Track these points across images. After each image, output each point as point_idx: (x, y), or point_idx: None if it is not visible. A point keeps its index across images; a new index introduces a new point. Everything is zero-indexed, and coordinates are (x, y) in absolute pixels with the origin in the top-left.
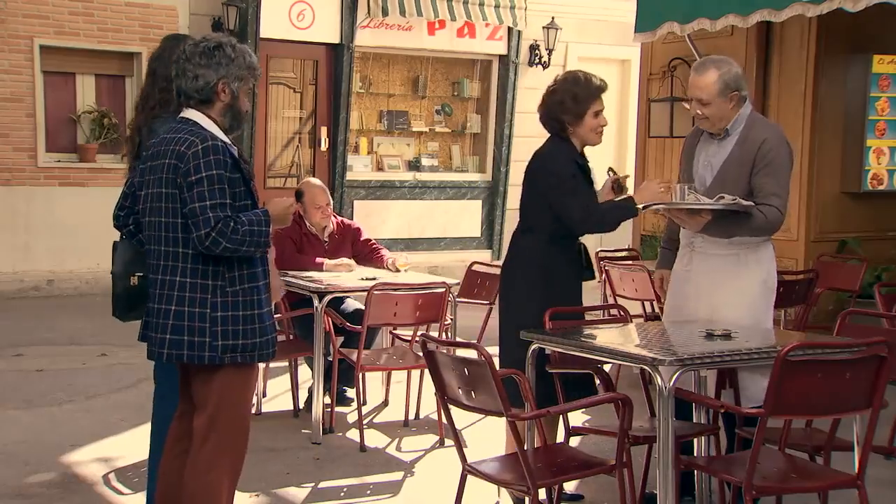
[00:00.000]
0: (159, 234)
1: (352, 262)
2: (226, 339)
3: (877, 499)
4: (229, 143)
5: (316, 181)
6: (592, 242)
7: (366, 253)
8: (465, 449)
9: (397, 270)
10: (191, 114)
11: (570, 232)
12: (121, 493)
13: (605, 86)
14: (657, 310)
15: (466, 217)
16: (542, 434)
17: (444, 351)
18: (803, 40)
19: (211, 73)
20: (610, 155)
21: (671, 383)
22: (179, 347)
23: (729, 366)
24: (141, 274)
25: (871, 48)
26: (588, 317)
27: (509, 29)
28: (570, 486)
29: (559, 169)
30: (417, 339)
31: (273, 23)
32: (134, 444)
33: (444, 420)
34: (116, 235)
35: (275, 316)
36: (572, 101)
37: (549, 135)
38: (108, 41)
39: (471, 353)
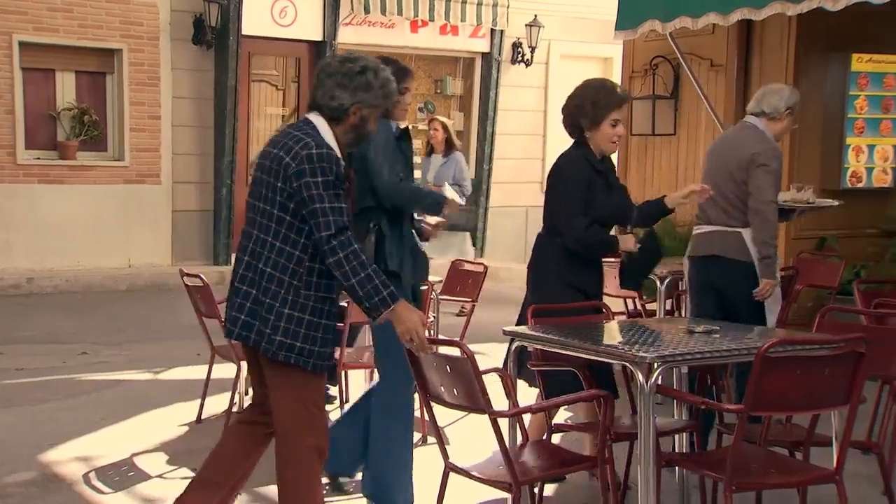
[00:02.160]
0: (255, 217)
1: None
2: (284, 337)
3: (855, 493)
4: (341, 157)
5: None
6: None
7: None
8: (447, 446)
9: None
10: (315, 118)
11: None
12: (101, 492)
13: (626, 97)
14: (639, 307)
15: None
16: (524, 430)
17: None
18: (783, 39)
19: (347, 97)
20: None
21: (652, 380)
22: (249, 329)
23: (709, 363)
24: None
25: (849, 47)
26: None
27: (492, 27)
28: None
29: (569, 175)
30: None
31: (255, 20)
32: (114, 443)
33: (426, 417)
34: (97, 233)
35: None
36: (592, 106)
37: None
38: (88, 37)
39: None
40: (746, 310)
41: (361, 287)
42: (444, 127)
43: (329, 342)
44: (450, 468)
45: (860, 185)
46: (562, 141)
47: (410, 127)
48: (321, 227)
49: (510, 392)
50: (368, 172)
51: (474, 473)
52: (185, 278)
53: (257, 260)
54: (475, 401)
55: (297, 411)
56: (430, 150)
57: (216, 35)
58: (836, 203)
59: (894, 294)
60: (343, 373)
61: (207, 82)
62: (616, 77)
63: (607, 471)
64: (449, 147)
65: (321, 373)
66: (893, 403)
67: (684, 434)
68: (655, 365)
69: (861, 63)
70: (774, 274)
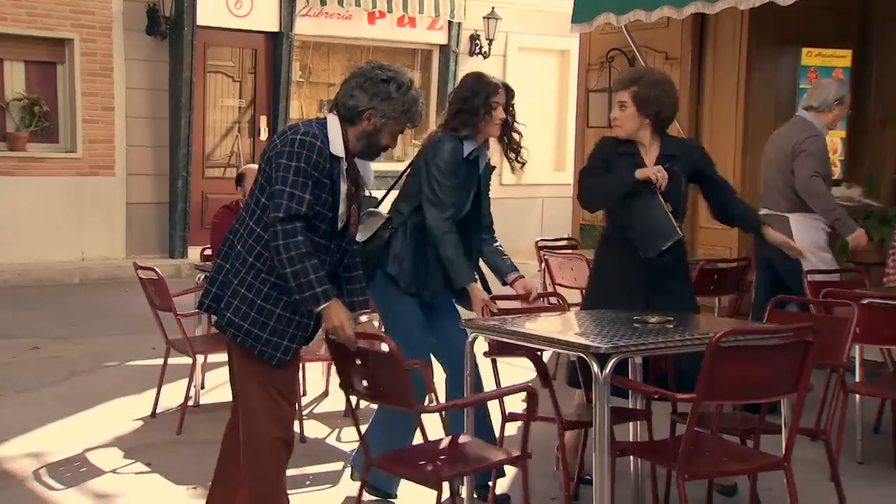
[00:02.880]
0: (249, 202)
1: None
2: (235, 315)
3: (803, 479)
4: (342, 157)
5: (256, 168)
6: (532, 231)
7: None
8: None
9: None
10: (330, 118)
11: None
12: (52, 488)
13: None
14: None
15: None
16: (445, 425)
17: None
18: (736, 33)
19: (364, 100)
20: (550, 145)
21: (606, 371)
22: (217, 301)
23: (662, 353)
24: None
25: (800, 41)
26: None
27: (449, 19)
28: (503, 486)
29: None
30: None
31: (210, 10)
32: (66, 438)
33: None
34: (49, 226)
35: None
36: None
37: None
38: (38, 26)
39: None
40: (792, 280)
41: (295, 278)
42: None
43: (285, 334)
44: (372, 464)
45: None
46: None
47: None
48: (273, 208)
49: (429, 386)
50: (422, 182)
51: (398, 470)
52: (138, 271)
53: (234, 237)
54: (401, 396)
55: (260, 399)
56: None
57: (170, 25)
58: (878, 204)
59: (842, 284)
60: (300, 365)
61: (162, 73)
62: (574, 70)
63: (526, 465)
64: None
65: (279, 364)
66: (840, 391)
67: (638, 423)
68: (611, 355)
69: (810, 57)
70: (853, 227)
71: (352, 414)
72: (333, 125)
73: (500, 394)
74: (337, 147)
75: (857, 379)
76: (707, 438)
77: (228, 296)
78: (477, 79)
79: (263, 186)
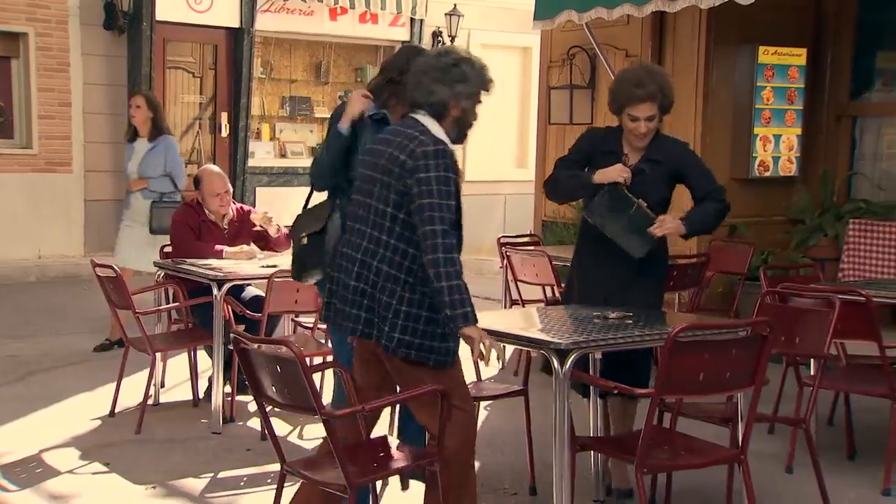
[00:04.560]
0: (367, 216)
1: (253, 248)
2: (403, 334)
3: (760, 471)
4: (454, 152)
5: (214, 168)
6: (495, 228)
7: (265, 235)
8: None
9: (263, 225)
10: (422, 117)
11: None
12: (6, 489)
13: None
14: (557, 294)
15: None
16: (364, 428)
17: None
18: (695, 31)
19: (445, 90)
20: (512, 142)
21: (567, 367)
22: (370, 327)
23: (623, 348)
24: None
25: (757, 39)
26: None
27: (411, 16)
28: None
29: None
30: (320, 327)
31: (169, 5)
32: (22, 439)
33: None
34: (4, 223)
35: (172, 304)
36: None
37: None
38: None
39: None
40: None
41: (451, 293)
42: (150, 104)
43: (450, 337)
44: (286, 470)
45: (767, 173)
46: (482, 128)
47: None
48: (427, 221)
49: (349, 388)
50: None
51: (309, 476)
52: (96, 269)
53: (373, 258)
54: (306, 401)
55: (437, 411)
56: (132, 135)
57: (129, 20)
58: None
59: (798, 279)
60: None
61: (120, 68)
62: (536, 67)
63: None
64: (157, 130)
65: (450, 367)
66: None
67: (599, 418)
68: (571, 351)
69: (767, 55)
70: None
71: (265, 422)
72: (433, 125)
73: (409, 395)
74: (449, 144)
75: (812, 372)
76: (667, 432)
77: (391, 317)
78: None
79: (399, 202)
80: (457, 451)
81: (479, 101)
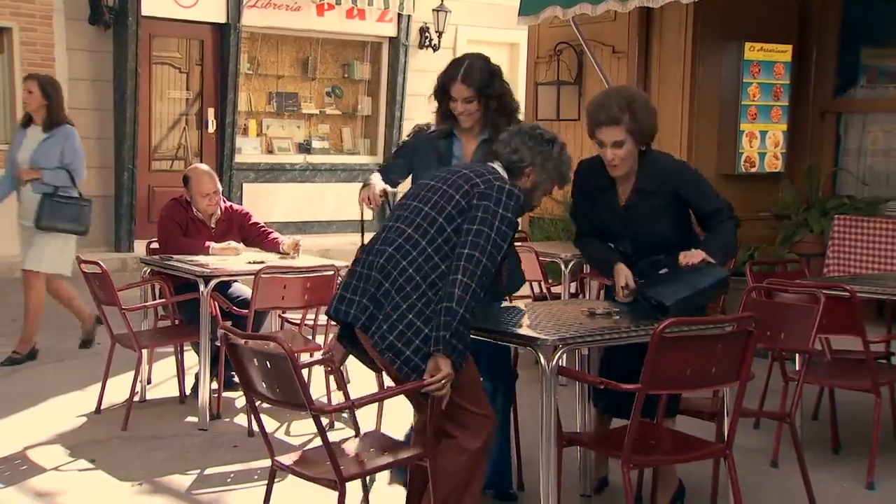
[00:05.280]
0: (414, 218)
1: (239, 245)
2: (398, 340)
3: (745, 465)
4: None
5: (203, 167)
6: None
7: (254, 236)
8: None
9: (289, 252)
10: (498, 167)
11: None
12: None
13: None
14: (544, 290)
15: (358, 200)
16: (354, 425)
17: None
18: (681, 27)
19: (528, 156)
20: None
21: (554, 362)
22: (363, 312)
23: (609, 343)
24: None
25: (743, 36)
26: None
27: (399, 11)
28: None
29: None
30: (307, 322)
31: (155, 0)
32: (7, 437)
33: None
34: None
35: (159, 301)
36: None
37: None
38: None
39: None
40: None
41: (460, 321)
42: (43, 90)
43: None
44: (276, 466)
45: (754, 169)
46: None
47: (319, 112)
48: (472, 246)
49: (340, 385)
50: None
51: (298, 470)
52: (82, 265)
53: (403, 257)
54: (296, 397)
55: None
56: (26, 121)
57: (114, 15)
58: None
59: (784, 275)
60: None
61: (106, 64)
62: (523, 63)
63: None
64: (53, 120)
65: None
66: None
67: (586, 413)
68: (558, 347)
69: (753, 52)
70: None
71: (256, 418)
72: (504, 174)
73: (396, 392)
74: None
75: (797, 367)
76: (654, 428)
77: (395, 319)
78: None
79: (452, 216)
80: (475, 452)
81: (549, 192)
